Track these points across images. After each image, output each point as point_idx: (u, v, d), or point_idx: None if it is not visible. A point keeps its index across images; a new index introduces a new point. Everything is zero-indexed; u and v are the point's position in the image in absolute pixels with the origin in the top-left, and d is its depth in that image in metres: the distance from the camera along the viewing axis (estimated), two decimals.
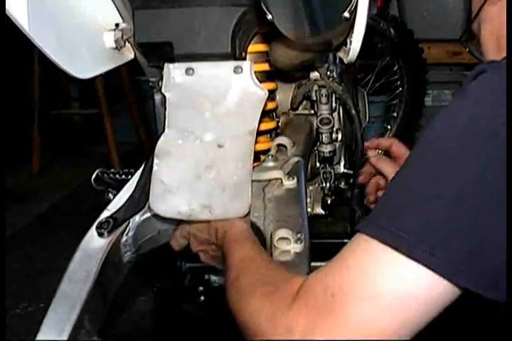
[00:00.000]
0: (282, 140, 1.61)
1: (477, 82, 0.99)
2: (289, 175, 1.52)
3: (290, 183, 1.51)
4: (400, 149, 1.71)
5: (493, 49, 1.30)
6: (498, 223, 0.89)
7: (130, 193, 1.50)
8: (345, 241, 1.84)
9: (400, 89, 3.35)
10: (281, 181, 1.52)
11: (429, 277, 0.90)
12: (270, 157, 1.57)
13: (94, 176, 1.80)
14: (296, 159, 1.58)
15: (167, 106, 1.41)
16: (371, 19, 1.51)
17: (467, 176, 0.92)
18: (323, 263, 1.48)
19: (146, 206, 1.47)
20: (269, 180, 1.53)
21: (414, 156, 1.02)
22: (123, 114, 4.50)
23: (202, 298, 1.89)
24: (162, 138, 1.41)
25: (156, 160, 1.42)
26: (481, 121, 0.94)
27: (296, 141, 1.64)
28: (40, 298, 2.72)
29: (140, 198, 1.48)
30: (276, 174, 1.53)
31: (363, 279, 0.94)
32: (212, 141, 1.41)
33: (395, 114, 3.40)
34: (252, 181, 1.45)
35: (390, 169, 1.65)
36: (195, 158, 1.42)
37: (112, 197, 1.79)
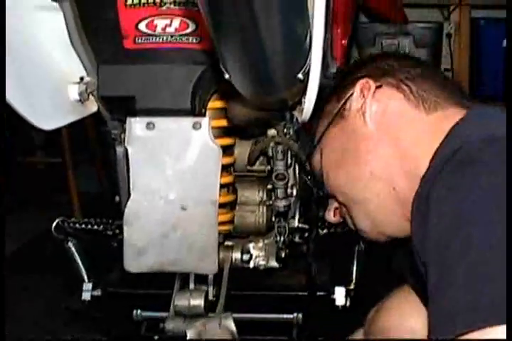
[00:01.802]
0: None
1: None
2: None
3: None
4: None
5: (337, 167, 1.41)
6: None
7: None
8: (300, 293, 1.87)
9: None
10: None
11: None
12: None
13: (54, 225, 1.83)
14: None
15: (130, 163, 1.48)
16: (329, 78, 1.55)
17: None
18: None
19: None
20: None
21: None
22: (86, 163, 4.52)
23: None
24: (129, 203, 1.49)
25: (125, 227, 1.50)
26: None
27: None
28: None
29: None
30: None
31: None
32: (176, 201, 1.48)
33: None
34: None
35: None
36: (161, 218, 1.49)
37: (70, 245, 1.83)
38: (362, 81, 1.39)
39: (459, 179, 1.06)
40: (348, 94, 1.41)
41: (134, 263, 1.52)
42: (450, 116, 1.30)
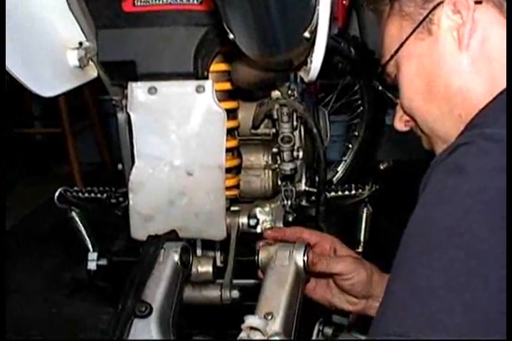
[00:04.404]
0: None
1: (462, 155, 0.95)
2: None
3: None
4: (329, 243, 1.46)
5: (419, 90, 1.21)
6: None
7: None
8: None
9: (361, 108, 3.38)
10: None
11: None
12: None
13: (57, 194, 1.80)
14: None
15: (133, 130, 1.46)
16: (332, 39, 1.52)
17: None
18: None
19: None
20: None
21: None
22: (86, 133, 4.49)
23: None
24: (133, 170, 1.47)
25: (130, 195, 1.49)
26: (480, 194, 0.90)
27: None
28: None
29: None
30: None
31: None
32: (182, 167, 1.46)
33: (356, 133, 3.43)
34: None
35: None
36: (168, 185, 1.48)
37: (74, 215, 1.80)
38: None
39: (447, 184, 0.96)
40: (437, 1, 1.14)
41: (141, 231, 1.51)
42: None
